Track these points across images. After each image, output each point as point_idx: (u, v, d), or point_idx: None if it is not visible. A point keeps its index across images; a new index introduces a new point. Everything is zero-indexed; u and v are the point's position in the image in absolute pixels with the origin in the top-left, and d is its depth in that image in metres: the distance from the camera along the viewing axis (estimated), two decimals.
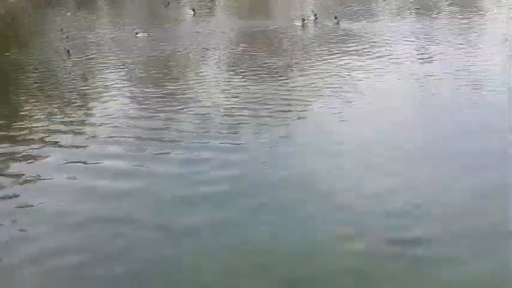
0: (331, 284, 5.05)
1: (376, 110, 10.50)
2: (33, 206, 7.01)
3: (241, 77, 13.81)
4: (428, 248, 5.57)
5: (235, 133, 9.62)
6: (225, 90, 12.65)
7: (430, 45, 16.71)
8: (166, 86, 13.33)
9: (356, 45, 17.19)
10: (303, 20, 22.30)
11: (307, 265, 5.31)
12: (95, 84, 14.08)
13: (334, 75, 13.41)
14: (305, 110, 10.69)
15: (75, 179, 7.83)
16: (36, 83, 14.46)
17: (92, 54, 17.89)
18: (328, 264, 5.32)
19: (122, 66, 15.73)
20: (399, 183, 7.19)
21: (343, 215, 6.34)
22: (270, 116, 10.25)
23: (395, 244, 5.64)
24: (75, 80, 14.55)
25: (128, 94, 12.83)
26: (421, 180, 7.31)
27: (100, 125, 10.49)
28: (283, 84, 12.78)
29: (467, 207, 6.47)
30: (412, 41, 17.71)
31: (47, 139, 9.66)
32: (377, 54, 15.74)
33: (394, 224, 6.11)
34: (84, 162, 8.40)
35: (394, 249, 5.57)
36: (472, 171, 7.41)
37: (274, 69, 14.50)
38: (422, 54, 15.49)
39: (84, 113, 11.56)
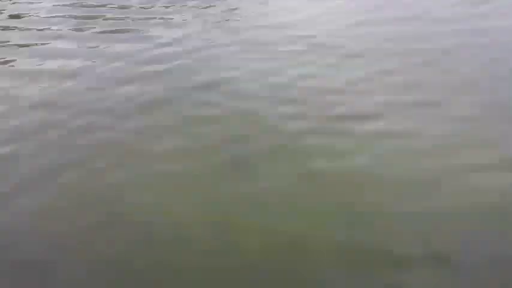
0: (275, 161, 4.82)
1: None
2: None
3: None
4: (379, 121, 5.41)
5: (181, 6, 9.20)
6: None
7: None
8: None
9: None
10: None
11: (248, 146, 5.06)
12: None
13: None
14: None
15: (15, 62, 7.42)
16: None
17: None
18: (272, 142, 5.12)
19: None
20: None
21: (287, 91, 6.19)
22: None
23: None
24: None
25: None
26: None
27: (36, 2, 9.86)
28: None
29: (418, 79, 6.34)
30: None
31: None
32: None
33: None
34: (22, 45, 7.95)
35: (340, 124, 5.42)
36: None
37: None
38: None
39: None
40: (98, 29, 8.41)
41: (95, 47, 7.76)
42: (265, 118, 5.42)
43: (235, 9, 9.27)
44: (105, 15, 9.01)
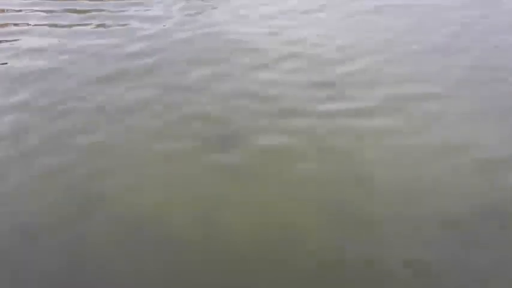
0: (268, 161, 4.59)
1: None
2: None
3: None
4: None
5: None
6: None
7: None
8: None
9: None
10: None
11: (238, 145, 4.83)
12: None
13: None
14: None
15: None
16: None
17: None
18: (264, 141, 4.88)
19: None
20: None
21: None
22: None
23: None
24: None
25: None
26: None
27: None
28: None
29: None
30: None
31: None
32: None
33: None
34: None
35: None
36: None
37: None
38: None
39: None
40: (74, 23, 7.99)
41: (72, 43, 7.31)
42: (256, 115, 5.17)
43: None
44: (81, 8, 8.57)
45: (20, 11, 8.63)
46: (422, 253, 3.41)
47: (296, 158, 4.46)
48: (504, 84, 5.56)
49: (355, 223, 3.68)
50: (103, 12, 8.33)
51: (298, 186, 4.10)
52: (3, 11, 8.69)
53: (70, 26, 7.90)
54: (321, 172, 4.24)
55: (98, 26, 7.80)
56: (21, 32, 7.71)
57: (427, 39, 6.80)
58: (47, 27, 7.87)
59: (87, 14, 8.27)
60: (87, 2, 8.91)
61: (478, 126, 4.79)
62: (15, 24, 8.01)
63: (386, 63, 6.16)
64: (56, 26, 7.92)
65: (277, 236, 3.60)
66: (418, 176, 4.15)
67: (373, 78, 5.81)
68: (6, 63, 6.71)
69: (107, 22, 7.93)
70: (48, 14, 8.44)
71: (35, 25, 7.98)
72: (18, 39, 7.44)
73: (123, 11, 8.41)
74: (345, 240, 3.55)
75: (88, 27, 7.77)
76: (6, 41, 7.41)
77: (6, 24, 8.04)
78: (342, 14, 7.93)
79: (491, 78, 5.67)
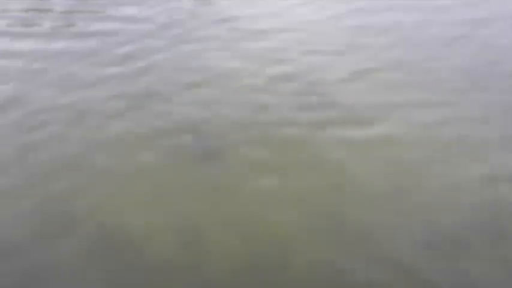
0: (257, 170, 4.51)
1: None
2: None
3: None
4: None
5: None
6: None
7: None
8: None
9: None
10: None
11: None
12: None
13: None
14: None
15: None
16: None
17: None
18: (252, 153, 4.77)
19: None
20: None
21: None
22: None
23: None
24: None
25: None
26: None
27: None
28: None
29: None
30: None
31: None
32: None
33: None
34: None
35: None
36: None
37: None
38: None
39: None
40: (50, 25, 7.76)
41: (49, 46, 7.09)
42: (242, 126, 5.03)
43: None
44: (55, 8, 8.36)
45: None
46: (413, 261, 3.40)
47: (282, 170, 4.36)
48: (493, 93, 5.51)
49: (344, 234, 3.66)
50: (82, 14, 8.15)
51: (284, 197, 4.02)
52: None
53: (49, 26, 7.68)
54: (308, 183, 4.17)
55: (81, 32, 7.54)
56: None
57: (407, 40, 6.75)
58: (23, 29, 7.64)
59: (65, 15, 8.06)
60: (67, 1, 8.69)
61: (475, 137, 4.70)
62: None
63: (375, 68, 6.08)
64: (36, 25, 7.72)
65: (264, 249, 3.55)
66: (409, 186, 4.08)
67: (362, 85, 5.71)
68: None
69: (87, 26, 7.72)
70: (26, 15, 8.20)
71: (13, 27, 7.74)
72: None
73: (102, 11, 8.23)
74: (336, 254, 3.52)
75: (67, 29, 7.54)
76: None
77: None
78: (344, 26, 7.64)
79: (476, 85, 5.66)
